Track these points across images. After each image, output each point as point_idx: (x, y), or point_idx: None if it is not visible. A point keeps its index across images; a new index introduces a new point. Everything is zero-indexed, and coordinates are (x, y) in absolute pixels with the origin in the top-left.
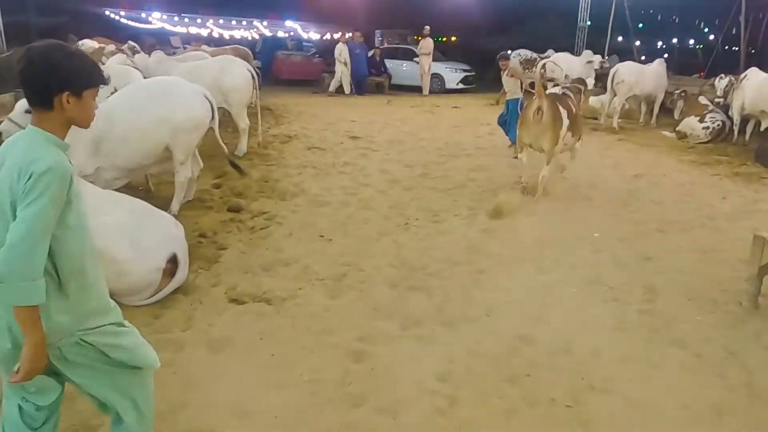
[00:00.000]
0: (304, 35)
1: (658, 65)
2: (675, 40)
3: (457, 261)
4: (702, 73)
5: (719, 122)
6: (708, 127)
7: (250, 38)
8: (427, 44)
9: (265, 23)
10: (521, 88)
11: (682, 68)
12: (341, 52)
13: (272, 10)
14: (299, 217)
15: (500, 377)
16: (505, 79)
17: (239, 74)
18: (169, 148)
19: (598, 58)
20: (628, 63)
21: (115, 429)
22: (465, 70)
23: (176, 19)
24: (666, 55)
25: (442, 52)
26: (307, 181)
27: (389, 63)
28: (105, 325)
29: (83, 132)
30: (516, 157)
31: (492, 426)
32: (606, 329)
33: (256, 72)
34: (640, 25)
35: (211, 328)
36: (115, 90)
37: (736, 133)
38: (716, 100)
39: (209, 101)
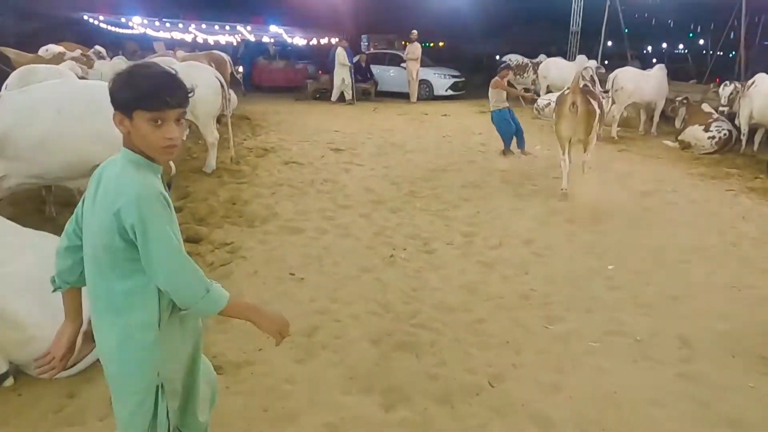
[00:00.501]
0: (289, 40)
1: (659, 71)
2: (664, 45)
3: (451, 306)
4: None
5: (726, 131)
6: (714, 137)
7: (235, 43)
8: (415, 49)
9: (249, 28)
10: (506, 97)
11: (675, 74)
12: (342, 56)
13: (256, 14)
14: (267, 249)
15: None
16: (490, 91)
17: (205, 83)
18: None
19: (593, 63)
20: (628, 69)
21: None
22: (454, 76)
23: (157, 24)
24: (654, 60)
25: (431, 58)
26: (281, 203)
27: (375, 69)
28: None
29: None
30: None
31: None
32: (641, 404)
33: (238, 78)
34: (626, 30)
35: None
36: None
37: (744, 143)
38: (720, 108)
39: None
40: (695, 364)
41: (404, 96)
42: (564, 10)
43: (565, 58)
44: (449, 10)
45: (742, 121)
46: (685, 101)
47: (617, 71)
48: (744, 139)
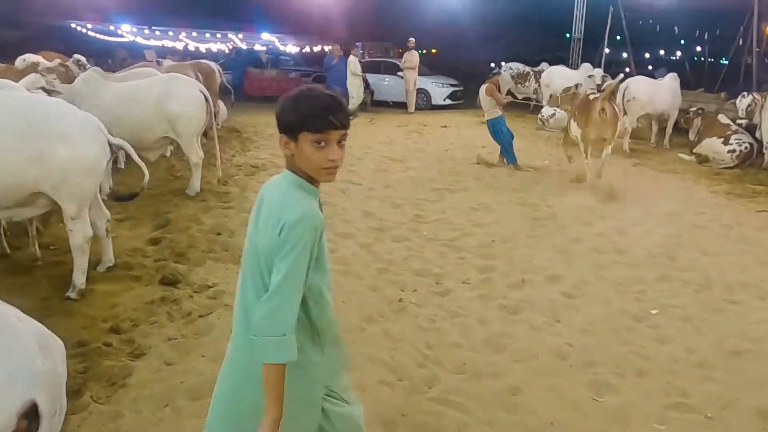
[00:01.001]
0: (282, 48)
1: (672, 80)
2: (663, 52)
3: (477, 370)
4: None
5: (747, 145)
6: (734, 150)
7: (226, 51)
8: (412, 57)
9: (240, 36)
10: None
11: (682, 83)
12: (353, 65)
13: (248, 22)
14: None
15: None
16: (483, 98)
17: (188, 97)
18: (50, 197)
19: (599, 71)
20: (640, 78)
21: None
22: (452, 85)
23: (147, 32)
24: (651, 67)
25: (426, 65)
26: None
27: (371, 78)
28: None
29: None
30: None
31: None
32: None
33: (229, 88)
34: (618, 37)
35: None
36: None
37: (766, 157)
38: (738, 120)
39: (104, 134)
40: None
41: (401, 106)
42: (559, 17)
43: (565, 65)
44: (446, 17)
45: (765, 134)
46: (700, 112)
47: (629, 81)
48: (767, 153)
